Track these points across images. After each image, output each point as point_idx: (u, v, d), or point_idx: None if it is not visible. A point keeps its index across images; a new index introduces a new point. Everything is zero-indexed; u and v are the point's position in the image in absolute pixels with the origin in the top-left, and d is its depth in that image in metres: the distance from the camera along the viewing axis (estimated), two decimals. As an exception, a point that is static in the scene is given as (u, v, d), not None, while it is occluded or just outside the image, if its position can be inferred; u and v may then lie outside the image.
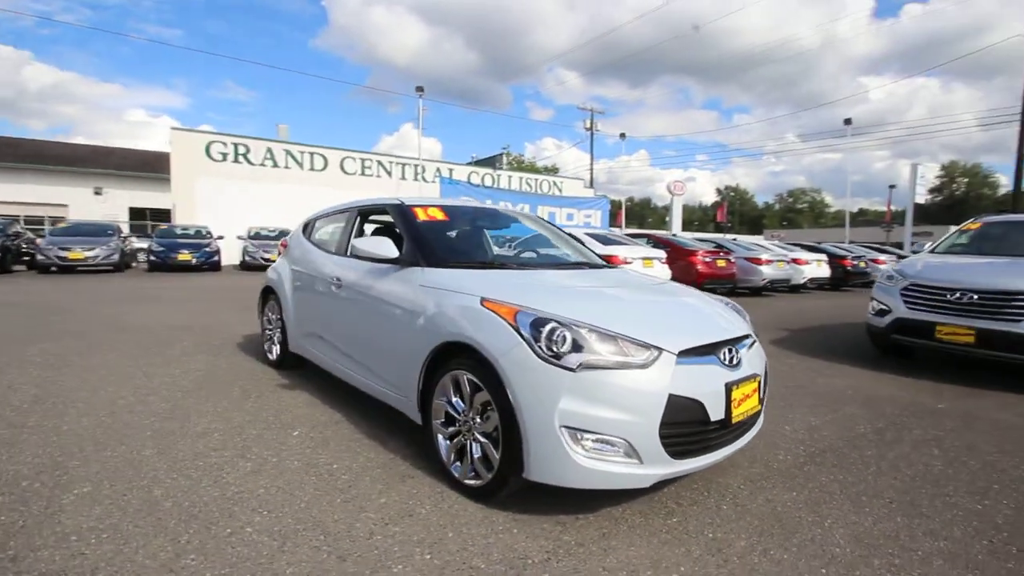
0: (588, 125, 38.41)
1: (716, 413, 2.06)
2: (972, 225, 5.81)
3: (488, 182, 24.86)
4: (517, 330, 2.03)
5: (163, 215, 21.69)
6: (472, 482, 2.20)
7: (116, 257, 13.61)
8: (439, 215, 3.15)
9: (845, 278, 14.25)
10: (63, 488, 2.21)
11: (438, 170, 24.55)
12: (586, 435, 1.91)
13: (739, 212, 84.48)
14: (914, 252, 8.03)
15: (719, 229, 44.80)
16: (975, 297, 4.35)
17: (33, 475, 2.32)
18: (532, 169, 41.62)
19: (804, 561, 1.88)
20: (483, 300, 2.24)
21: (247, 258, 15.85)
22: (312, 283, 3.64)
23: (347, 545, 1.87)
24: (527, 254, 3.42)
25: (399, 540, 1.91)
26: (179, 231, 15.96)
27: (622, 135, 40.94)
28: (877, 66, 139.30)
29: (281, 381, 3.88)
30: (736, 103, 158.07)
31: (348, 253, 3.41)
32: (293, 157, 21.48)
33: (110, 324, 6.14)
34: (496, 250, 3.48)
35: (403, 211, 3.09)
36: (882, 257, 15.87)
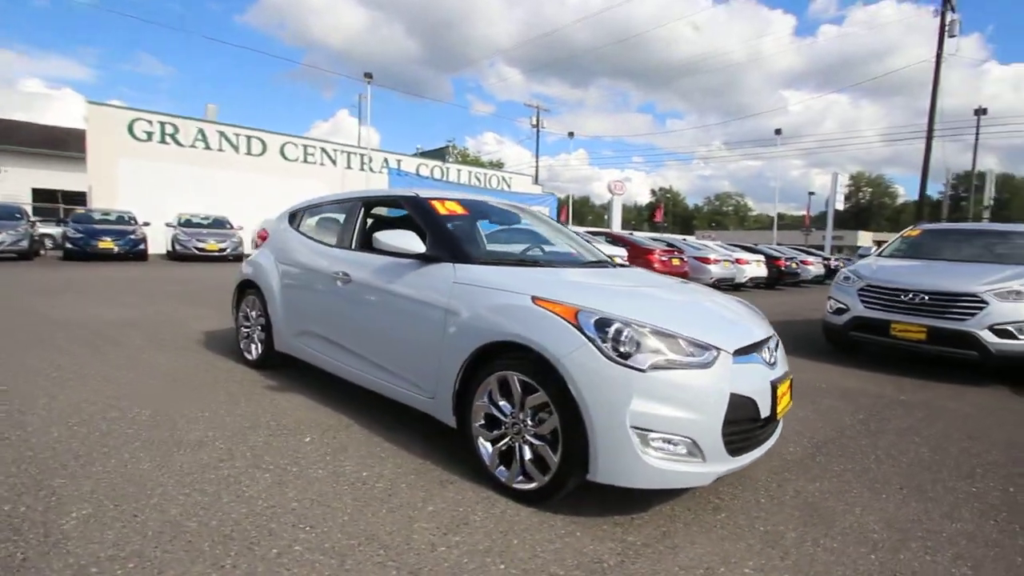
0: (534, 122, 38.70)
1: (764, 410, 2.12)
2: (912, 232, 6.39)
3: (438, 175, 24.44)
4: (581, 330, 1.99)
5: (77, 198, 19.55)
6: (523, 486, 2.14)
7: (25, 244, 12.13)
8: (458, 209, 3.03)
9: (779, 277, 15.26)
10: (57, 511, 1.92)
11: (386, 161, 23.83)
12: (653, 435, 1.91)
13: (672, 213, 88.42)
14: (860, 256, 8.74)
15: (655, 228, 46.65)
16: (926, 298, 4.79)
17: (14, 497, 2.01)
18: (478, 164, 41.38)
19: (852, 547, 1.98)
20: (534, 299, 2.17)
21: (177, 247, 14.63)
22: (308, 278, 3.40)
23: (413, 559, 1.76)
24: (541, 250, 3.36)
25: (465, 550, 1.82)
26: (99, 216, 14.45)
27: (570, 134, 41.49)
28: (796, 81, 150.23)
29: (268, 383, 3.60)
30: (670, 108, 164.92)
31: (354, 246, 3.21)
32: (228, 140, 20.05)
33: (37, 319, 5.45)
34: (511, 246, 3.41)
35: (422, 204, 2.95)
36: (810, 259, 17.17)
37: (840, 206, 28.96)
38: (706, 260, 12.19)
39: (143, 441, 2.57)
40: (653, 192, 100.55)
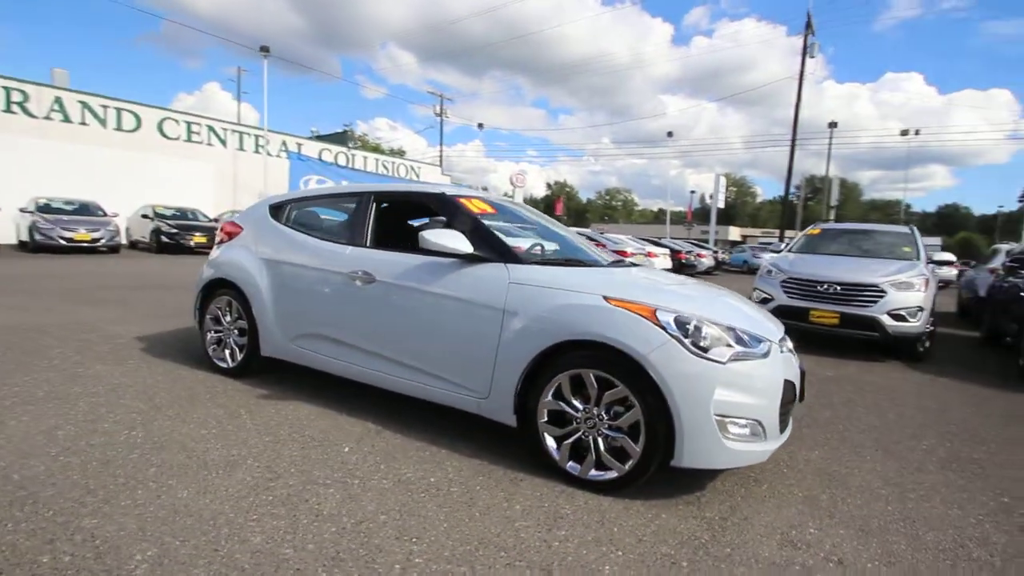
0: (437, 111, 38.20)
1: (798, 392, 2.44)
2: (814, 231, 7.42)
3: (343, 161, 23.18)
4: (663, 328, 2.14)
5: None
6: (600, 476, 2.25)
7: None
8: (488, 208, 3.02)
9: (680, 269, 16.75)
10: (115, 556, 1.67)
11: (284, 143, 22.09)
12: (730, 420, 2.12)
13: (566, 206, 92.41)
14: (773, 251, 9.88)
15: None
16: (838, 288, 5.63)
17: (46, 546, 1.70)
18: (378, 150, 39.79)
19: (871, 503, 2.35)
20: (606, 298, 2.28)
21: (38, 237, 12.39)
22: (310, 278, 3.16)
23: (536, 557, 1.80)
24: (566, 250, 3.40)
25: (577, 543, 1.90)
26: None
27: (479, 125, 41.47)
28: (673, 86, 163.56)
29: (259, 391, 3.30)
30: (562, 104, 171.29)
31: (369, 244, 3.06)
32: (93, 112, 17.28)
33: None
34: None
35: (453, 202, 2.90)
36: (704, 252, 19.03)
37: (722, 204, 32.20)
38: (624, 253, 13.00)
39: (159, 467, 2.27)
40: (549, 185, 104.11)
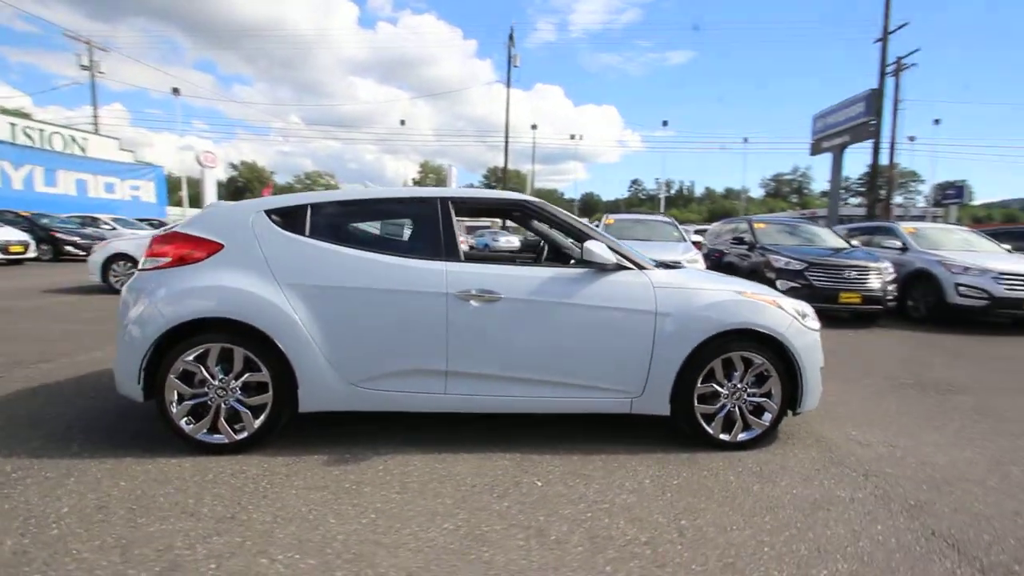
0: (86, 63, 28.99)
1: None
2: (609, 220, 9.23)
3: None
4: (787, 312, 2.81)
5: None
6: (747, 436, 2.80)
7: None
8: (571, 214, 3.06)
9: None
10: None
11: None
12: (821, 370, 2.94)
13: (259, 191, 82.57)
14: None
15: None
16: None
17: None
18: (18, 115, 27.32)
19: (896, 438, 3.59)
20: (742, 292, 2.81)
21: None
22: (393, 301, 2.59)
23: (826, 529, 2.26)
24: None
25: (838, 514, 2.43)
26: None
27: (175, 90, 32.00)
28: (363, 70, 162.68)
29: (326, 460, 2.54)
30: (236, 72, 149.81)
31: (462, 257, 2.74)
32: None
33: None
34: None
35: (547, 209, 2.91)
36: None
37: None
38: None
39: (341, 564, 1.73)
40: (234, 166, 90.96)
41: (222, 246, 2.64)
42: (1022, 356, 5.51)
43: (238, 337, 2.54)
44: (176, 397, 2.54)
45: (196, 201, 34.39)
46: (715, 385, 2.76)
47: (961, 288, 6.96)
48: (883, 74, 21.21)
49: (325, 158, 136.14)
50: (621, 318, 2.71)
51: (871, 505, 2.27)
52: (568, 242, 3.58)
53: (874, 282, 7.04)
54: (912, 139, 48.28)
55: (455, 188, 3.22)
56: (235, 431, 2.58)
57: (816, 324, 2.94)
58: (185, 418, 2.56)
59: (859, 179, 61.99)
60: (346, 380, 2.62)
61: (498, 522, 2.06)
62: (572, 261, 3.69)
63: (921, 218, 33.57)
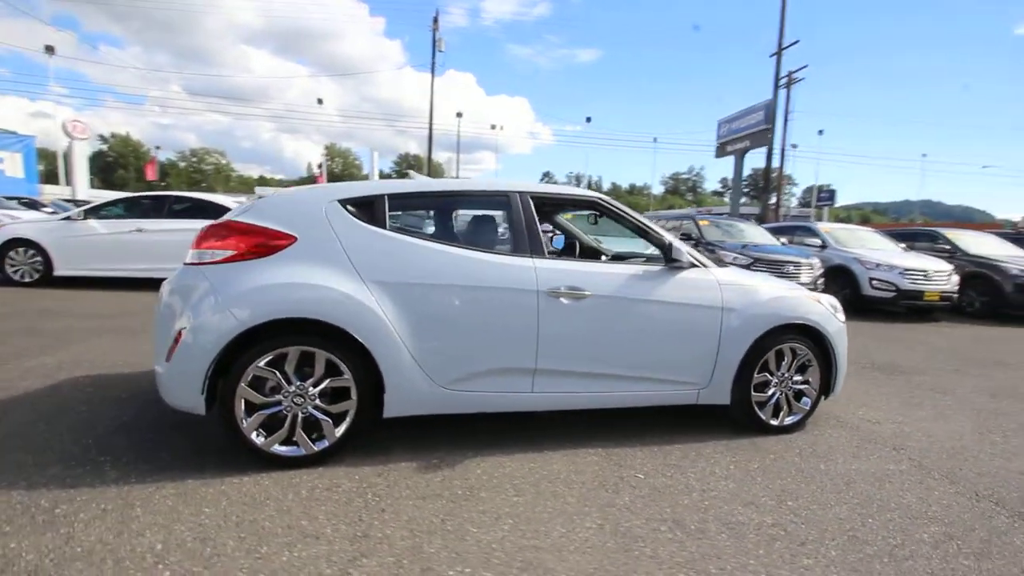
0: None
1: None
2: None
3: None
4: (825, 306, 3.11)
5: None
6: (792, 420, 3.08)
7: None
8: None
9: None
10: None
11: None
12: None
13: (136, 168, 73.26)
14: None
15: (151, 189, 38.40)
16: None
17: None
18: None
19: (905, 409, 4.05)
20: (792, 289, 3.08)
21: None
22: (487, 299, 2.50)
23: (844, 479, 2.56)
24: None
25: (874, 476, 2.73)
26: None
27: (48, 48, 26.69)
28: (258, 39, 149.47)
29: (423, 468, 2.40)
30: (102, 31, 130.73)
31: (546, 253, 2.71)
32: None
33: None
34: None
35: (617, 206, 2.97)
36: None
37: (378, 179, 33.20)
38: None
39: None
40: (103, 138, 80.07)
41: (295, 238, 2.38)
42: (934, 340, 6.52)
43: (319, 339, 2.31)
44: (244, 407, 2.27)
45: (53, 178, 29.62)
46: (767, 374, 3.00)
47: (874, 282, 8.05)
48: (777, 86, 23.67)
49: (212, 134, 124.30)
50: (694, 314, 2.84)
51: (917, 475, 2.62)
52: (589, 240, 3.69)
53: (807, 276, 7.90)
54: (795, 146, 54.29)
55: (533, 183, 3.14)
56: (314, 441, 2.36)
57: (843, 316, 3.29)
58: (256, 432, 2.29)
59: (744, 181, 69.21)
60: (434, 382, 2.49)
61: (633, 517, 2.10)
62: (602, 258, 3.81)
63: (803, 218, 38.01)
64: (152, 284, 7.58)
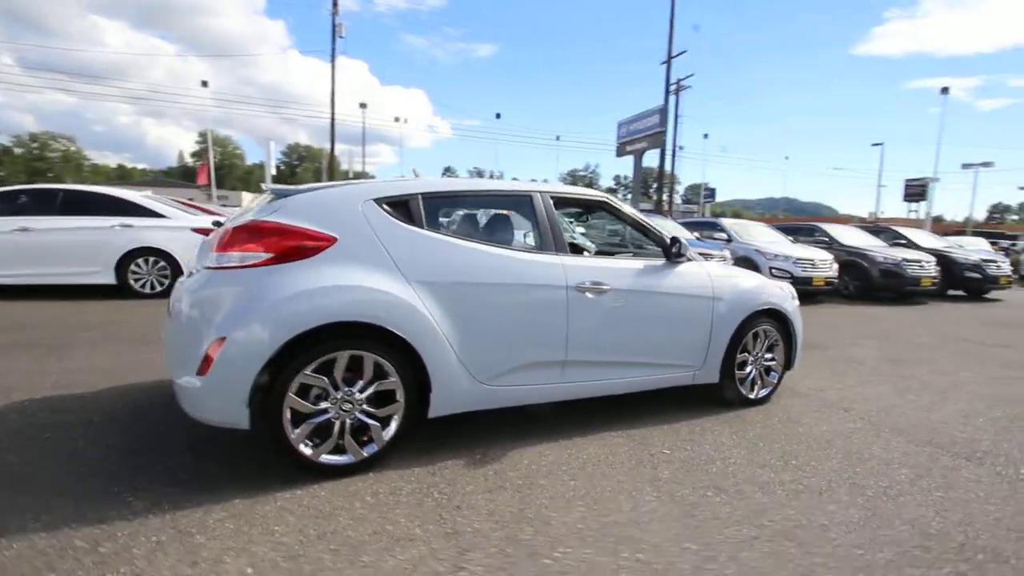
0: None
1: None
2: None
3: None
4: (786, 293, 3.60)
5: None
6: (764, 392, 3.53)
7: None
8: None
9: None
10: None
11: None
12: (795, 337, 3.84)
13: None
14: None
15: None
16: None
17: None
18: None
19: (885, 388, 4.65)
20: (763, 280, 3.51)
21: None
22: (524, 297, 2.59)
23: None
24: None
25: (842, 434, 3.22)
26: None
27: None
28: (111, 8, 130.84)
29: (479, 473, 2.43)
30: None
31: (568, 250, 2.86)
32: None
33: None
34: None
35: (621, 207, 3.19)
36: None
37: (274, 171, 30.68)
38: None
39: (673, 542, 1.92)
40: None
41: (335, 239, 2.28)
42: (827, 320, 7.63)
43: (369, 342, 2.26)
44: (290, 417, 2.16)
45: None
46: (746, 354, 3.41)
47: (773, 270, 9.18)
48: (667, 92, 25.74)
49: (55, 115, 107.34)
50: (692, 303, 3.15)
51: (873, 431, 3.14)
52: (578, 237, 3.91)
53: (721, 266, 8.84)
54: (681, 148, 59.31)
55: (550, 184, 3.23)
56: (363, 446, 2.30)
57: (797, 300, 3.81)
58: (304, 443, 2.19)
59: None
60: (476, 380, 2.53)
61: (680, 488, 2.32)
62: (584, 253, 4.03)
63: (689, 214, 41.69)
64: (48, 292, 6.49)
